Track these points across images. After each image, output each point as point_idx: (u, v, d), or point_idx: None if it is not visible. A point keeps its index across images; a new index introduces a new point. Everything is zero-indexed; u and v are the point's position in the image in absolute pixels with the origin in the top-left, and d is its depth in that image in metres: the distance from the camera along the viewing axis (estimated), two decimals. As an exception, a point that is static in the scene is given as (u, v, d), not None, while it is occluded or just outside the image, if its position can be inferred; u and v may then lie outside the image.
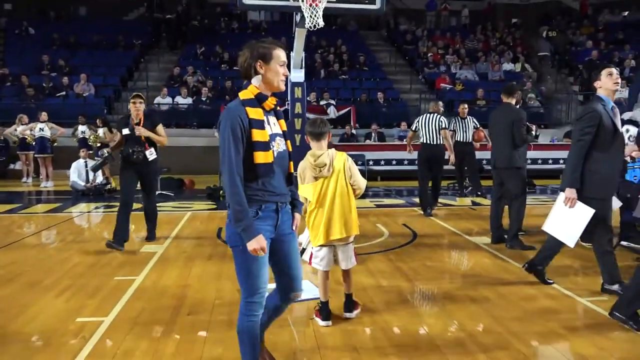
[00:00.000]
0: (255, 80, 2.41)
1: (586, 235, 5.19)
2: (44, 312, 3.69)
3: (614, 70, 3.90)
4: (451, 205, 8.68)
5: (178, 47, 17.98)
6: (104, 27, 18.01)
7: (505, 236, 5.68)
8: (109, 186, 9.97)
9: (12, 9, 19.12)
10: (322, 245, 3.46)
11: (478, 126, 9.35)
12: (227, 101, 13.66)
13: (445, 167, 9.94)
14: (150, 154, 5.54)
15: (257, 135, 2.33)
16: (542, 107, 15.76)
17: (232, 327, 3.38)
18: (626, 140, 4.92)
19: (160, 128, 5.67)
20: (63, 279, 4.46)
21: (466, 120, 9.30)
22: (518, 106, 5.86)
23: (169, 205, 8.40)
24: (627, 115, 5.59)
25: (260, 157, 2.33)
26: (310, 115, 13.39)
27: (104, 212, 8.24)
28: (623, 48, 17.37)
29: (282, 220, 2.49)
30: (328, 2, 6.27)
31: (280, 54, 2.41)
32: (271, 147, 2.38)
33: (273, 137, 2.42)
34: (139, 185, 5.68)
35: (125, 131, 5.50)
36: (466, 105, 9.48)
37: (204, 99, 13.94)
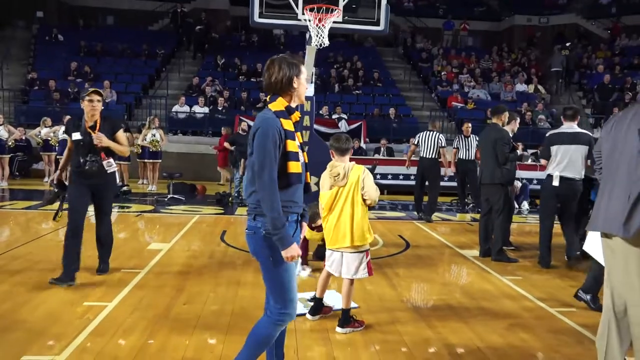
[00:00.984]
0: (291, 95, 2.53)
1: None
2: (55, 295, 4.10)
3: None
4: (450, 220, 8.94)
5: (199, 57, 18.62)
6: (129, 36, 18.76)
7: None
8: (124, 188, 10.44)
9: (44, 16, 20.02)
10: (331, 250, 3.71)
11: (481, 144, 9.63)
12: (242, 111, 14.16)
13: (449, 183, 10.31)
14: (109, 165, 4.51)
15: (291, 145, 2.42)
16: (552, 129, 15.89)
17: (221, 316, 3.76)
18: None
19: (121, 135, 4.61)
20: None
21: (469, 138, 9.59)
22: (514, 127, 6.20)
23: (179, 209, 8.82)
24: None
25: (294, 167, 2.42)
26: (322, 128, 13.86)
27: (117, 212, 8.68)
28: (638, 73, 17.47)
29: (298, 230, 2.58)
30: (334, 22, 6.63)
31: (304, 69, 2.59)
32: (300, 158, 2.50)
33: (301, 147, 2.55)
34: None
35: (76, 136, 4.42)
36: (470, 124, 9.77)
37: (220, 108, 14.44)
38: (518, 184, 10.92)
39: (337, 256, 3.68)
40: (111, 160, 4.54)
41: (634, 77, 16.99)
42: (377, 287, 4.73)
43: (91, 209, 4.74)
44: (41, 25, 19.07)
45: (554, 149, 5.44)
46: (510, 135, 6.06)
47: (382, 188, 12.47)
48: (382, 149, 13.46)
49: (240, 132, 10.99)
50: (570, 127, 5.45)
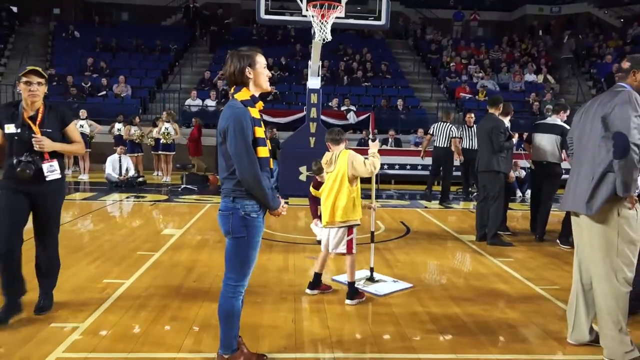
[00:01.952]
0: (250, 85, 2.70)
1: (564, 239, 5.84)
2: (78, 273, 4.50)
3: None
4: (453, 207, 9.20)
5: (212, 51, 18.99)
6: (143, 31, 19.18)
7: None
8: (140, 179, 10.88)
9: (60, 13, 20.56)
10: (324, 227, 4.16)
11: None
12: (253, 104, 14.50)
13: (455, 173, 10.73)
14: (50, 170, 3.37)
15: (259, 132, 2.61)
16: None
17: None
18: None
19: (72, 129, 3.53)
20: (95, 251, 5.29)
21: (472, 128, 9.80)
22: (508, 117, 6.47)
23: (192, 198, 9.21)
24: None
25: (263, 152, 2.62)
26: (331, 120, 14.16)
27: (133, 201, 9.11)
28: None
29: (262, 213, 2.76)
30: (337, 18, 6.93)
31: (260, 58, 2.70)
32: (266, 143, 2.69)
33: (265, 134, 2.74)
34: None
35: (11, 128, 3.32)
36: (473, 114, 10.00)
37: (231, 101, 14.79)
38: (523, 172, 11.13)
39: (326, 232, 4.13)
40: (55, 163, 3.39)
41: (644, 66, 16.91)
42: (375, 267, 5.04)
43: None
44: (58, 22, 19.60)
45: (533, 136, 6.36)
46: (507, 125, 6.33)
47: (390, 178, 12.82)
48: (390, 139, 13.71)
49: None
50: (553, 120, 6.31)
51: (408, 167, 12.87)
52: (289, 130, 13.09)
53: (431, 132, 9.77)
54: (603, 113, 3.08)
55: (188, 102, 14.81)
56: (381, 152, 13.60)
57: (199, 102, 14.81)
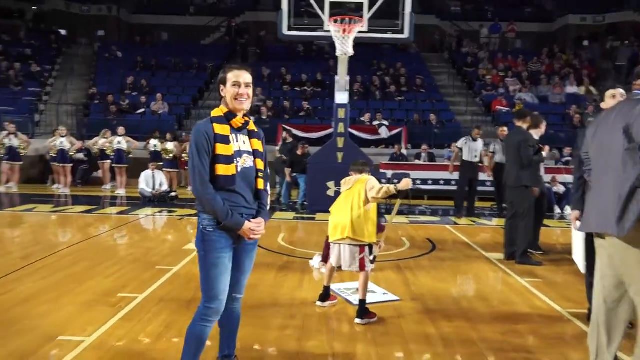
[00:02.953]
0: (224, 101, 2.66)
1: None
2: (95, 287, 4.56)
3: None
4: (485, 225, 8.90)
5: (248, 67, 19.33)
6: (182, 50, 19.75)
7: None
8: (172, 194, 11.09)
9: (105, 34, 21.46)
10: (333, 243, 4.09)
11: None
12: (285, 120, 14.62)
13: (487, 188, 10.62)
14: None
15: (220, 149, 2.52)
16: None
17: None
18: None
19: None
20: (116, 265, 5.37)
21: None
22: (539, 130, 6.21)
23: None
24: None
25: (221, 170, 2.51)
26: (363, 135, 14.08)
27: (163, 216, 9.27)
28: (700, 71, 16.53)
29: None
30: (359, 32, 6.89)
31: (232, 76, 2.59)
32: (234, 161, 2.56)
33: (239, 153, 2.60)
34: None
35: None
36: (506, 128, 9.68)
37: (263, 117, 14.96)
38: (562, 187, 10.69)
39: (337, 248, 4.06)
40: None
41: (695, 75, 16.08)
42: (391, 285, 4.90)
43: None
44: (102, 43, 20.44)
45: None
46: (537, 138, 6.08)
47: (422, 193, 12.58)
48: (422, 154, 13.49)
49: (283, 141, 11.39)
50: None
51: (441, 182, 12.59)
52: (321, 145, 13.07)
53: (459, 145, 9.74)
54: (625, 123, 2.86)
55: (222, 118, 15.05)
56: (414, 167, 13.41)
57: (232, 118, 15.03)
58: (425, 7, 24.49)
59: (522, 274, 5.39)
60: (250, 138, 2.71)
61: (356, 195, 3.97)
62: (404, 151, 13.71)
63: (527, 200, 5.85)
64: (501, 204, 9.95)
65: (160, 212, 9.65)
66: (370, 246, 4.03)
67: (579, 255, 4.10)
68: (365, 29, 6.90)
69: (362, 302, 3.92)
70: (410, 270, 5.52)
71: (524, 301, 4.51)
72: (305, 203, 9.96)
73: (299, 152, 10.34)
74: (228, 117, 2.61)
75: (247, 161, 2.63)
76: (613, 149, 2.95)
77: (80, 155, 13.41)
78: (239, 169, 2.58)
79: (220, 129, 2.56)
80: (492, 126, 15.33)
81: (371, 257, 4.05)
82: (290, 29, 7.02)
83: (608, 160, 2.98)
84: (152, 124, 14.44)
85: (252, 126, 2.73)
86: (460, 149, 9.69)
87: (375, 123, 14.62)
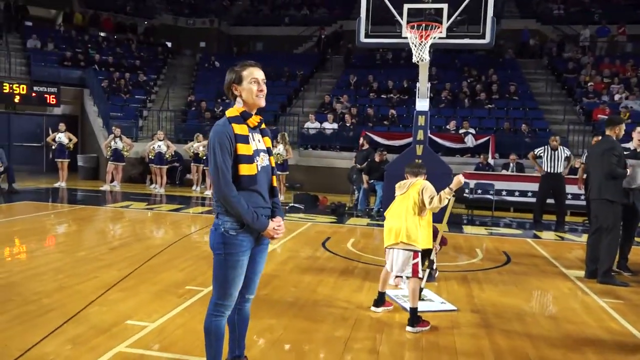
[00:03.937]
0: (238, 101, 2.64)
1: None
2: (168, 278, 4.94)
3: None
4: (572, 240, 8.31)
5: (334, 76, 19.69)
6: (275, 59, 20.52)
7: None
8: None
9: (206, 45, 22.92)
10: (387, 248, 4.09)
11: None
12: (369, 127, 14.65)
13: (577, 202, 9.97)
14: None
15: (242, 149, 2.53)
16: None
17: (293, 307, 4.20)
18: None
19: None
20: (190, 259, 5.75)
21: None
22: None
23: (296, 216, 9.55)
24: None
25: (244, 170, 2.52)
26: (447, 143, 13.74)
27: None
28: None
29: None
30: (439, 38, 6.77)
31: (248, 73, 2.59)
32: (255, 160, 2.58)
33: (257, 152, 2.62)
34: None
35: None
36: (599, 137, 8.97)
37: (348, 124, 15.11)
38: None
39: (390, 253, 4.05)
40: None
41: None
42: (452, 294, 4.77)
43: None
44: (203, 54, 21.85)
45: None
46: (632, 148, 5.63)
47: (509, 205, 11.98)
48: (510, 164, 12.86)
49: (359, 147, 11.45)
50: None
51: (529, 194, 11.91)
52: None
53: (537, 154, 9.69)
54: None
55: (307, 124, 15.44)
56: (499, 177, 12.87)
57: (317, 124, 15.36)
58: (523, 10, 23.36)
59: (601, 293, 4.99)
60: (262, 136, 2.73)
61: (410, 201, 3.95)
62: (490, 161, 13.15)
63: (612, 214, 5.40)
64: (541, 215, 9.61)
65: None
66: (426, 252, 3.97)
67: None
68: (443, 34, 6.77)
69: (413, 310, 3.86)
70: (477, 282, 5.32)
71: (597, 323, 4.18)
72: (382, 210, 9.91)
73: (377, 159, 10.34)
74: (244, 117, 2.61)
75: (264, 160, 2.66)
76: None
77: (174, 158, 14.42)
78: (259, 168, 2.61)
79: (240, 129, 2.56)
80: (591, 136, 14.23)
81: (433, 266, 4.00)
82: (367, 36, 7.08)
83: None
84: (242, 129, 15.14)
85: (262, 124, 2.75)
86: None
87: (462, 131, 14.18)
